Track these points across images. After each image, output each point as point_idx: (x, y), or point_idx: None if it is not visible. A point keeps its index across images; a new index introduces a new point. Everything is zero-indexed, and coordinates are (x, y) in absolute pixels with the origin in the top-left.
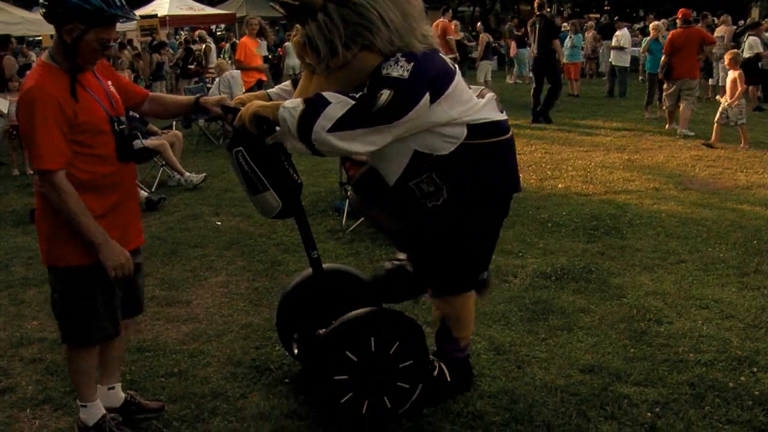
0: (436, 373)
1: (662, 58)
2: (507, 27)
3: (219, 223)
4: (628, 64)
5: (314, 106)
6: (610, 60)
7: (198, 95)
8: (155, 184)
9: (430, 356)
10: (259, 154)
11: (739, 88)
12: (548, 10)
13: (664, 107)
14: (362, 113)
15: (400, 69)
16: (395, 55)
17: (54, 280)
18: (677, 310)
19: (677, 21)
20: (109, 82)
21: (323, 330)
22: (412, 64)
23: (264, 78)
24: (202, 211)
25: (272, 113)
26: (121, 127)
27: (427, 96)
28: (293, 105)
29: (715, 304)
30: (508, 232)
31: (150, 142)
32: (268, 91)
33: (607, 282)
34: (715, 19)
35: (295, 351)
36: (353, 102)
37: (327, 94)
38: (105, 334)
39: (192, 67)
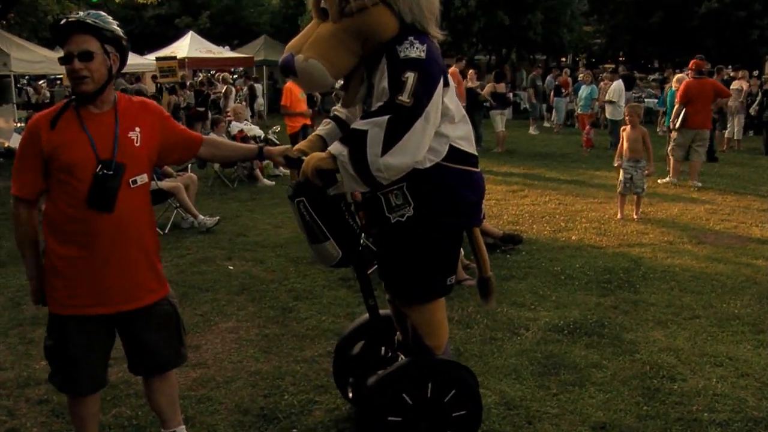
0: None
1: (675, 108)
2: (530, 77)
3: (231, 267)
4: (621, 117)
5: (356, 141)
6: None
7: (262, 144)
8: (168, 226)
9: None
10: (321, 205)
11: (648, 149)
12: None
13: (670, 158)
14: (399, 116)
15: (416, 50)
16: (408, 38)
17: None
18: (691, 367)
19: (689, 72)
20: (137, 128)
21: (372, 378)
22: (425, 45)
23: (309, 123)
24: (215, 254)
25: (333, 164)
26: (104, 172)
27: (441, 80)
28: (338, 151)
29: (730, 362)
30: (521, 284)
31: (165, 183)
32: (319, 133)
33: (619, 337)
34: (730, 72)
35: (350, 395)
36: (387, 115)
37: (357, 125)
38: (80, 388)
39: (201, 109)
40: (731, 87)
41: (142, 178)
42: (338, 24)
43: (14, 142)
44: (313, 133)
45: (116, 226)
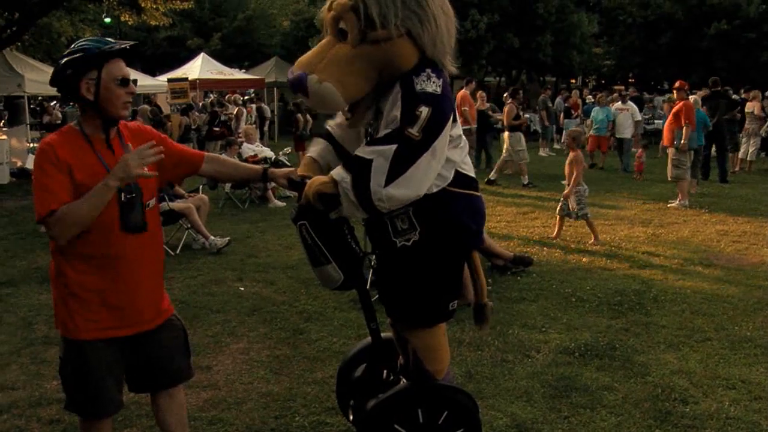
0: None
1: (685, 130)
2: (541, 99)
3: (242, 288)
4: (629, 136)
5: (360, 170)
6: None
7: (266, 166)
8: (180, 247)
9: None
10: (323, 228)
11: (575, 173)
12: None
13: (676, 178)
14: (406, 148)
15: (433, 85)
16: (425, 70)
17: (60, 345)
18: (703, 390)
19: (676, 92)
20: None
21: (370, 403)
22: (441, 80)
23: None
24: (226, 275)
25: (335, 189)
26: (128, 196)
27: (451, 115)
28: (340, 177)
29: (743, 385)
30: (532, 306)
31: (176, 204)
32: (311, 155)
33: (631, 359)
34: (741, 93)
35: (350, 417)
36: (394, 146)
37: (362, 152)
38: (102, 410)
39: (217, 129)
40: (745, 110)
41: (153, 201)
42: (357, 49)
43: (28, 162)
44: (307, 155)
45: (135, 248)
